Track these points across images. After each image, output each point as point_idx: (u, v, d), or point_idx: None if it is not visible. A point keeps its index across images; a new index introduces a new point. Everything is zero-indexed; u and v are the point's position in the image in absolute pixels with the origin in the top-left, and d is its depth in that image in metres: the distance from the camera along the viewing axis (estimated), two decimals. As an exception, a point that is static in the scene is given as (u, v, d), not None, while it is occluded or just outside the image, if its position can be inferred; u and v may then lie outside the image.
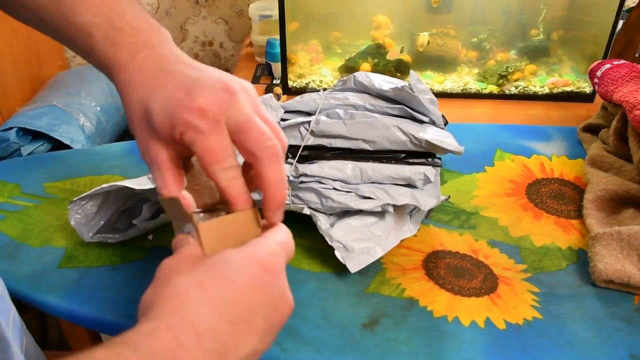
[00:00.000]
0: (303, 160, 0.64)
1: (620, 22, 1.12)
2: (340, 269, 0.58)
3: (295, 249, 0.41)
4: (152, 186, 0.60)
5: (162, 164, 0.41)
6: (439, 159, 0.67)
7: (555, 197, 0.72)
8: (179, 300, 0.33)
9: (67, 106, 1.37)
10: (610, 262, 0.57)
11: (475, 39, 1.16)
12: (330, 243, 0.58)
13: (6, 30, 1.37)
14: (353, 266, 0.56)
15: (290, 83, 1.16)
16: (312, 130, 0.66)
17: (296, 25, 1.14)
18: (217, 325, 0.32)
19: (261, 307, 0.35)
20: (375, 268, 0.57)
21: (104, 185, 0.59)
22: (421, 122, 0.67)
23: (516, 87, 1.15)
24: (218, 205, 0.45)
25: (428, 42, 1.13)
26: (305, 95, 0.70)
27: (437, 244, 0.63)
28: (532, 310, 0.55)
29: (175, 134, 0.39)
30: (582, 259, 0.61)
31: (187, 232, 0.41)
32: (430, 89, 1.11)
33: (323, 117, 0.67)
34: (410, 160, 0.65)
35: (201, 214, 0.44)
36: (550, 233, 0.65)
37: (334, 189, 0.62)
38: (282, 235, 0.40)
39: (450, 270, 0.59)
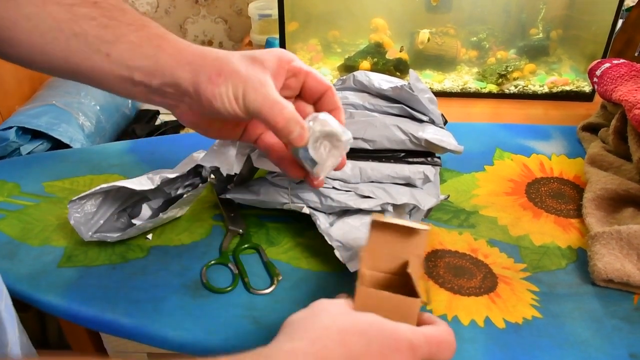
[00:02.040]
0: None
1: (620, 21, 1.13)
2: (339, 269, 0.58)
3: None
4: (152, 186, 0.60)
5: None
6: (439, 158, 0.67)
7: (555, 196, 0.72)
8: (320, 335, 0.38)
9: (67, 105, 1.37)
10: (609, 261, 0.57)
11: (475, 38, 1.16)
12: (329, 242, 0.58)
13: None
14: (352, 265, 0.56)
15: (289, 82, 1.16)
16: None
17: (295, 25, 1.14)
18: None
19: None
20: (375, 267, 0.57)
21: (104, 185, 0.59)
22: (420, 121, 0.67)
23: (515, 86, 1.15)
24: (394, 275, 0.48)
25: (428, 40, 1.13)
26: (305, 95, 0.70)
27: (436, 243, 0.63)
28: (531, 309, 0.55)
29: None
30: (581, 258, 0.61)
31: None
32: (430, 88, 1.11)
33: (322, 116, 0.66)
34: (410, 160, 0.65)
35: (368, 274, 0.48)
36: (550, 232, 0.65)
37: (334, 188, 0.62)
38: (434, 331, 0.41)
39: (449, 270, 0.59)
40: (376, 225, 0.46)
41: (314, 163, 0.48)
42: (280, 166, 0.54)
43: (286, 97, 0.49)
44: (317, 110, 0.52)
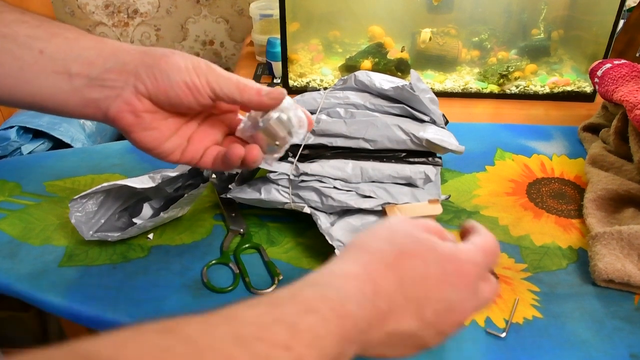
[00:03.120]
0: (303, 159, 0.64)
1: (621, 22, 1.12)
2: (340, 268, 0.58)
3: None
4: (152, 185, 0.60)
5: None
6: (440, 158, 0.67)
7: (556, 196, 0.72)
8: (375, 258, 0.37)
9: (68, 105, 1.36)
10: (610, 261, 0.57)
11: (476, 39, 1.16)
12: (330, 242, 0.58)
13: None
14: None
15: (290, 82, 1.16)
16: (312, 129, 0.66)
17: (297, 25, 1.14)
18: (394, 293, 0.35)
19: (436, 301, 0.36)
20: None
21: (105, 184, 0.59)
22: (422, 121, 0.67)
23: (517, 87, 1.15)
24: None
25: (430, 39, 1.13)
26: (306, 94, 0.70)
27: (437, 243, 0.63)
28: (532, 309, 0.55)
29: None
30: (582, 259, 0.61)
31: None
32: (431, 88, 1.11)
33: (324, 116, 0.67)
34: (411, 160, 0.65)
35: None
36: (551, 232, 0.65)
37: (335, 187, 0.62)
38: (484, 239, 0.41)
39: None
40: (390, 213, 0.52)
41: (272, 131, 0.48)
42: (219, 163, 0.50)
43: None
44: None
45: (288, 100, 0.48)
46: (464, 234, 0.44)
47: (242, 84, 0.46)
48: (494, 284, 0.41)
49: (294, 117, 0.48)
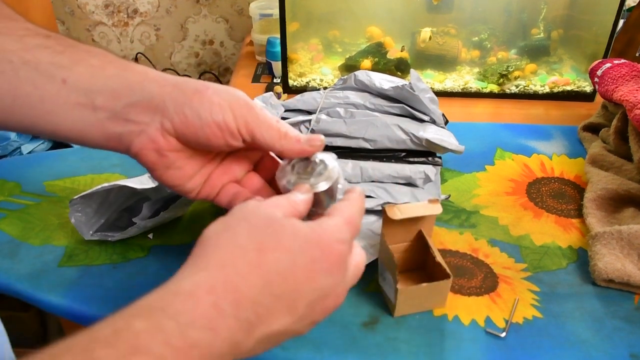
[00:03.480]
0: (304, 158, 0.64)
1: (621, 22, 1.12)
2: (340, 268, 0.58)
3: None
4: (153, 185, 0.60)
5: None
6: (440, 157, 0.67)
7: (556, 196, 0.72)
8: (233, 256, 0.32)
9: (68, 105, 1.36)
10: (610, 261, 0.57)
11: (476, 38, 1.16)
12: (330, 242, 0.58)
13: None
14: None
15: (290, 82, 1.16)
16: (312, 129, 0.66)
17: (296, 24, 1.14)
18: (259, 295, 0.32)
19: (308, 292, 0.34)
20: (376, 267, 0.57)
21: (105, 184, 0.59)
22: (421, 121, 0.67)
23: (517, 86, 1.15)
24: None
25: (430, 38, 1.13)
26: (306, 94, 0.70)
27: (437, 243, 0.63)
28: (532, 309, 0.55)
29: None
30: (582, 258, 0.61)
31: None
32: (431, 87, 1.11)
33: (323, 116, 0.67)
34: (411, 159, 0.65)
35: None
36: (551, 232, 0.65)
37: (334, 187, 0.62)
38: (350, 210, 0.38)
39: (450, 269, 0.59)
40: (389, 213, 0.52)
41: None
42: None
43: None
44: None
45: (332, 163, 0.43)
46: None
47: (283, 131, 0.42)
48: (359, 254, 0.39)
49: (340, 185, 0.43)
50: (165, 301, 0.30)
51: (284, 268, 0.33)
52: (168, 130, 0.41)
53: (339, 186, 0.43)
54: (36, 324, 1.22)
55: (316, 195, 0.41)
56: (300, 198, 0.39)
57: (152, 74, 0.42)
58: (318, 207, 0.41)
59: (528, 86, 1.15)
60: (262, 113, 0.42)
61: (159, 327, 0.28)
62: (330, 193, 0.42)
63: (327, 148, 0.65)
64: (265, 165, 0.47)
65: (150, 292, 0.30)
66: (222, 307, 0.30)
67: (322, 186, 0.41)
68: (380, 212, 0.62)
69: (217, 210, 0.67)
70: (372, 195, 0.62)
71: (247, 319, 0.31)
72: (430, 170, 0.64)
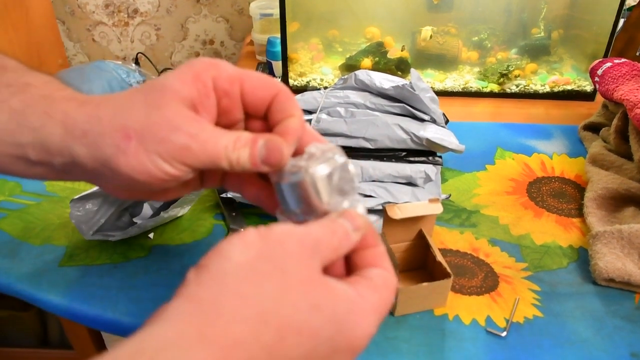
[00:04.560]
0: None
1: (621, 21, 1.12)
2: (340, 267, 0.58)
3: None
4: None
5: None
6: (440, 157, 0.67)
7: (556, 195, 0.72)
8: (242, 335, 0.26)
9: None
10: (610, 260, 0.57)
11: (476, 38, 1.16)
12: (331, 241, 0.58)
13: (7, 28, 1.37)
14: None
15: (291, 81, 1.16)
16: (312, 128, 0.66)
17: (297, 24, 1.14)
18: (252, 339, 0.26)
19: None
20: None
21: (105, 184, 0.59)
22: (422, 120, 0.67)
23: (517, 86, 1.15)
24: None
25: (431, 37, 1.13)
26: (306, 94, 0.70)
27: (437, 242, 0.63)
28: (532, 308, 0.55)
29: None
30: (582, 258, 0.61)
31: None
32: (431, 87, 1.11)
33: (324, 116, 0.67)
34: (411, 159, 0.65)
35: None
36: (551, 231, 0.65)
37: (335, 187, 0.62)
38: (386, 281, 0.33)
39: (450, 269, 0.59)
40: (390, 212, 0.52)
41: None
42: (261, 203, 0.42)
43: (228, 126, 0.38)
44: (268, 124, 0.38)
45: (328, 154, 0.34)
46: (361, 251, 0.34)
47: (232, 145, 0.35)
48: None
49: (334, 181, 0.33)
50: (142, 347, 0.25)
51: (301, 354, 0.28)
52: (120, 188, 0.37)
53: (354, 184, 0.34)
54: (36, 324, 1.22)
55: (310, 189, 0.33)
56: (348, 226, 0.32)
57: (76, 126, 0.35)
58: (313, 205, 0.33)
59: (528, 85, 1.15)
60: (195, 145, 0.34)
61: None
62: (337, 188, 0.33)
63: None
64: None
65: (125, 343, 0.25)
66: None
67: (321, 170, 0.32)
68: (381, 212, 0.62)
69: (218, 210, 0.67)
70: (372, 194, 0.62)
71: None
72: (430, 169, 0.64)
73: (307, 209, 0.33)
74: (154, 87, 0.35)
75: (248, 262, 0.28)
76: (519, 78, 1.15)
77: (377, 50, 1.15)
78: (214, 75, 0.36)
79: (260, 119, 0.39)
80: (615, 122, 0.76)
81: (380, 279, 0.32)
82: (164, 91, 0.34)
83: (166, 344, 0.25)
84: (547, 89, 1.14)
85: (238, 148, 0.34)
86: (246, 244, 0.29)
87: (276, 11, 1.21)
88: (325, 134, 0.65)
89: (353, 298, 0.30)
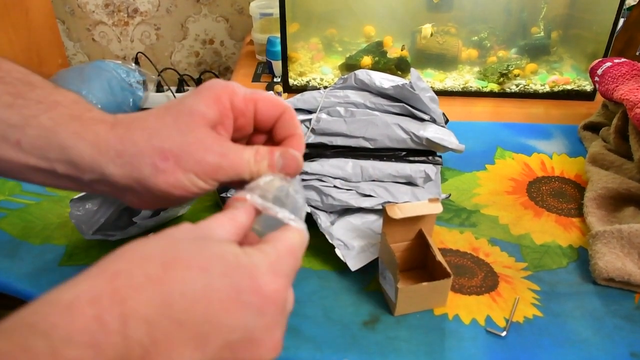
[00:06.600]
0: (303, 158, 0.64)
1: (621, 21, 1.12)
2: (340, 267, 0.58)
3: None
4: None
5: None
6: (440, 157, 0.67)
7: (556, 195, 0.72)
8: (132, 266, 0.27)
9: (68, 104, 1.37)
10: (610, 260, 0.57)
11: (476, 37, 1.16)
12: (330, 241, 0.58)
13: (6, 28, 1.37)
14: (353, 264, 0.56)
15: (290, 81, 1.16)
16: (312, 128, 0.66)
17: (297, 24, 1.14)
18: (155, 316, 0.26)
19: (227, 329, 0.28)
20: (376, 266, 0.57)
21: (105, 183, 0.59)
22: (422, 120, 0.67)
23: (517, 86, 1.15)
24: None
25: (431, 34, 1.13)
26: (306, 93, 0.70)
27: (437, 242, 0.63)
28: (532, 308, 0.55)
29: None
30: (582, 257, 0.61)
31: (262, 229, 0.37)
32: (431, 87, 1.11)
33: (324, 115, 0.67)
34: (411, 158, 0.65)
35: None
36: (551, 231, 0.65)
37: (335, 187, 0.62)
38: (294, 239, 0.33)
39: (450, 269, 0.59)
40: (390, 212, 0.52)
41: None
42: None
43: (239, 139, 0.42)
44: (273, 138, 0.43)
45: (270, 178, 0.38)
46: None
47: (251, 162, 0.39)
48: (291, 294, 0.33)
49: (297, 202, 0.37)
50: (38, 315, 0.25)
51: (193, 290, 0.27)
52: (145, 200, 0.39)
53: (296, 202, 0.37)
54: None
55: (257, 212, 0.35)
56: (238, 208, 0.34)
57: (105, 145, 0.37)
58: (262, 227, 0.36)
59: (528, 85, 1.15)
60: (225, 163, 0.38)
61: (24, 348, 0.23)
62: (278, 206, 0.36)
63: (328, 147, 0.65)
64: None
65: (26, 305, 0.25)
66: (107, 321, 0.25)
67: (255, 199, 0.35)
68: (381, 212, 0.62)
69: (217, 210, 0.67)
70: (372, 194, 0.62)
71: (140, 342, 0.25)
72: (430, 169, 0.64)
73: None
74: (182, 111, 0.38)
75: (141, 241, 0.30)
76: (518, 78, 1.15)
77: (377, 50, 1.15)
78: (231, 97, 0.40)
79: (264, 133, 0.43)
80: (615, 121, 0.76)
81: (283, 234, 0.33)
82: (192, 115, 0.38)
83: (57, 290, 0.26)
84: (547, 88, 1.14)
85: (259, 161, 0.39)
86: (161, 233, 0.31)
87: (276, 11, 1.21)
88: (325, 133, 0.65)
89: (254, 249, 0.31)
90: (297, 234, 0.34)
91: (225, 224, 0.33)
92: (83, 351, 0.24)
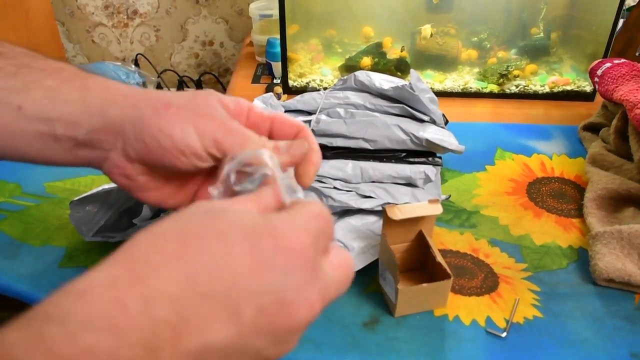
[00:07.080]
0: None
1: (621, 21, 1.13)
2: (340, 268, 0.58)
3: None
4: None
5: None
6: (440, 158, 0.67)
7: (556, 196, 0.72)
8: (144, 248, 0.26)
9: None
10: (610, 260, 0.57)
11: (476, 38, 1.16)
12: (330, 242, 0.58)
13: (6, 29, 1.37)
14: (353, 265, 0.56)
15: (290, 82, 1.16)
16: (312, 129, 0.66)
17: (296, 25, 1.14)
18: (180, 292, 0.24)
19: (255, 292, 0.26)
20: (376, 267, 0.57)
21: (105, 186, 0.59)
22: (421, 121, 0.67)
23: (516, 86, 1.15)
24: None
25: (431, 35, 1.13)
26: (306, 95, 0.70)
27: (437, 243, 0.63)
28: (532, 309, 0.55)
29: None
30: (582, 258, 0.61)
31: None
32: (431, 88, 1.11)
33: (323, 116, 0.67)
34: (411, 159, 0.65)
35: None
36: (551, 232, 0.65)
37: (335, 188, 0.62)
38: (318, 206, 0.31)
39: (450, 270, 0.59)
40: (390, 213, 0.52)
41: None
42: None
43: None
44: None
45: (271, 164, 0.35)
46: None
47: (260, 142, 0.39)
48: (341, 252, 0.31)
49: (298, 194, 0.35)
50: (52, 304, 0.23)
51: (214, 259, 0.26)
52: (131, 157, 0.38)
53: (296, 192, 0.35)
54: (37, 325, 1.22)
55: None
56: (265, 190, 0.32)
57: (113, 93, 0.38)
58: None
59: (528, 86, 1.15)
60: (235, 127, 0.38)
61: (39, 336, 0.22)
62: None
63: (327, 148, 0.65)
64: None
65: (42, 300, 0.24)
66: (127, 303, 0.23)
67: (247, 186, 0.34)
68: (381, 213, 0.62)
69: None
70: (372, 195, 0.62)
71: (167, 321, 0.24)
72: (430, 170, 0.64)
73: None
74: (199, 91, 0.40)
75: (156, 223, 0.28)
76: (518, 78, 1.15)
77: (377, 51, 1.15)
78: (250, 107, 0.41)
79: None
80: (614, 122, 0.76)
81: (306, 202, 0.31)
82: (209, 93, 0.39)
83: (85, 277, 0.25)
84: (547, 89, 1.15)
85: (263, 141, 0.39)
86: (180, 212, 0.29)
87: (276, 12, 1.22)
88: (325, 134, 0.65)
89: (275, 214, 0.29)
90: (314, 204, 0.31)
91: (246, 202, 0.31)
92: (103, 336, 0.22)
